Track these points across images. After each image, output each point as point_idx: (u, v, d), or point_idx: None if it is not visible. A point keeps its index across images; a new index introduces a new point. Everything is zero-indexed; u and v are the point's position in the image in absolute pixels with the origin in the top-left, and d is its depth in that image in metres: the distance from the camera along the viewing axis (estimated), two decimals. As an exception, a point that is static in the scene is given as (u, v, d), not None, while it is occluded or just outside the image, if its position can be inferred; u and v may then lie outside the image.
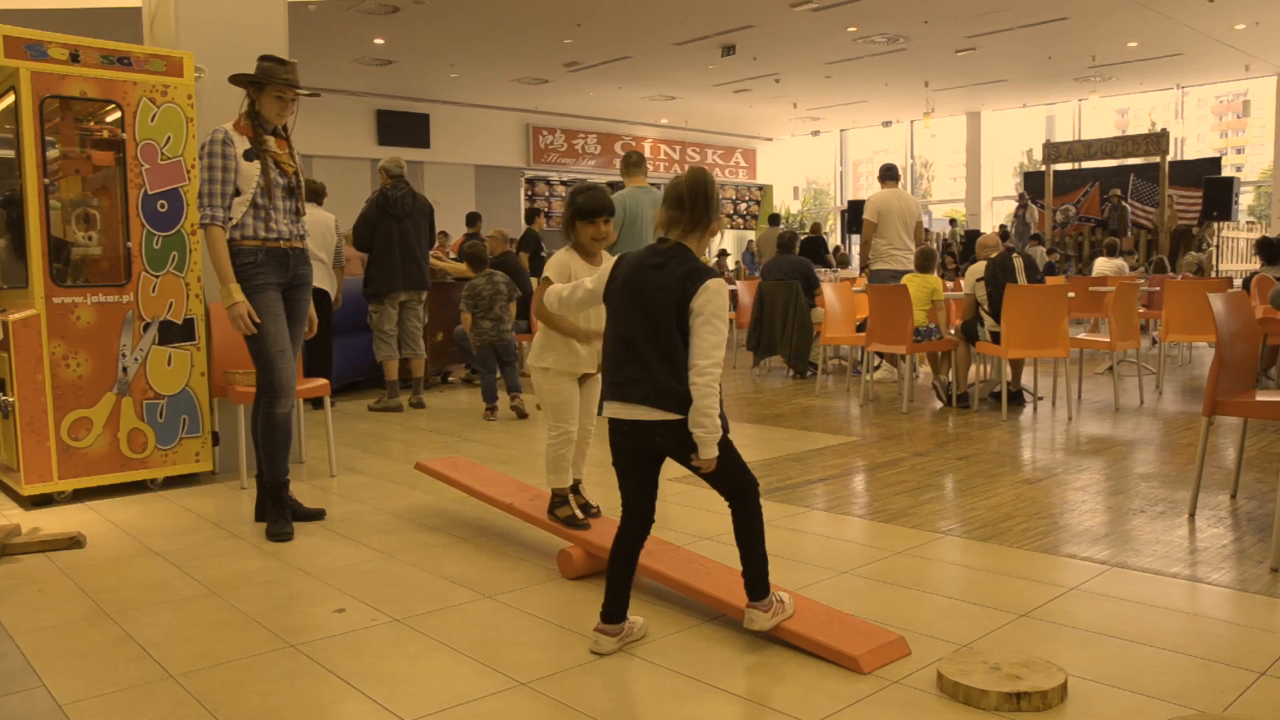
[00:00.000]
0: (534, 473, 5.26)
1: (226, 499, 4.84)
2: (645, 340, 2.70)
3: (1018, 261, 6.89)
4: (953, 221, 21.57)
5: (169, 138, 4.92)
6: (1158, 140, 17.57)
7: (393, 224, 7.53)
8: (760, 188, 24.42)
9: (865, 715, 2.44)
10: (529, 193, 20.74)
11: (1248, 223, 19.09)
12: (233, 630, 3.07)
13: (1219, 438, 5.95)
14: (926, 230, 17.63)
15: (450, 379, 9.32)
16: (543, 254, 11.53)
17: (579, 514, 3.64)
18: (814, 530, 4.12)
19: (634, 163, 7.18)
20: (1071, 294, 7.02)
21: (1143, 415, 6.94)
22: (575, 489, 3.75)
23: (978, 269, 7.05)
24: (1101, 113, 22.97)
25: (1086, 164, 18.87)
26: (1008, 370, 7.05)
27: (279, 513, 4.21)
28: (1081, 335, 8.18)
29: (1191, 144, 23.08)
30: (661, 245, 2.78)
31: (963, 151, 22.77)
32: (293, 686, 2.65)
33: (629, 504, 2.88)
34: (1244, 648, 2.83)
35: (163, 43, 5.18)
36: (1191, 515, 4.23)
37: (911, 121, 22.86)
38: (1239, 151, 32.07)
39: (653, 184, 7.25)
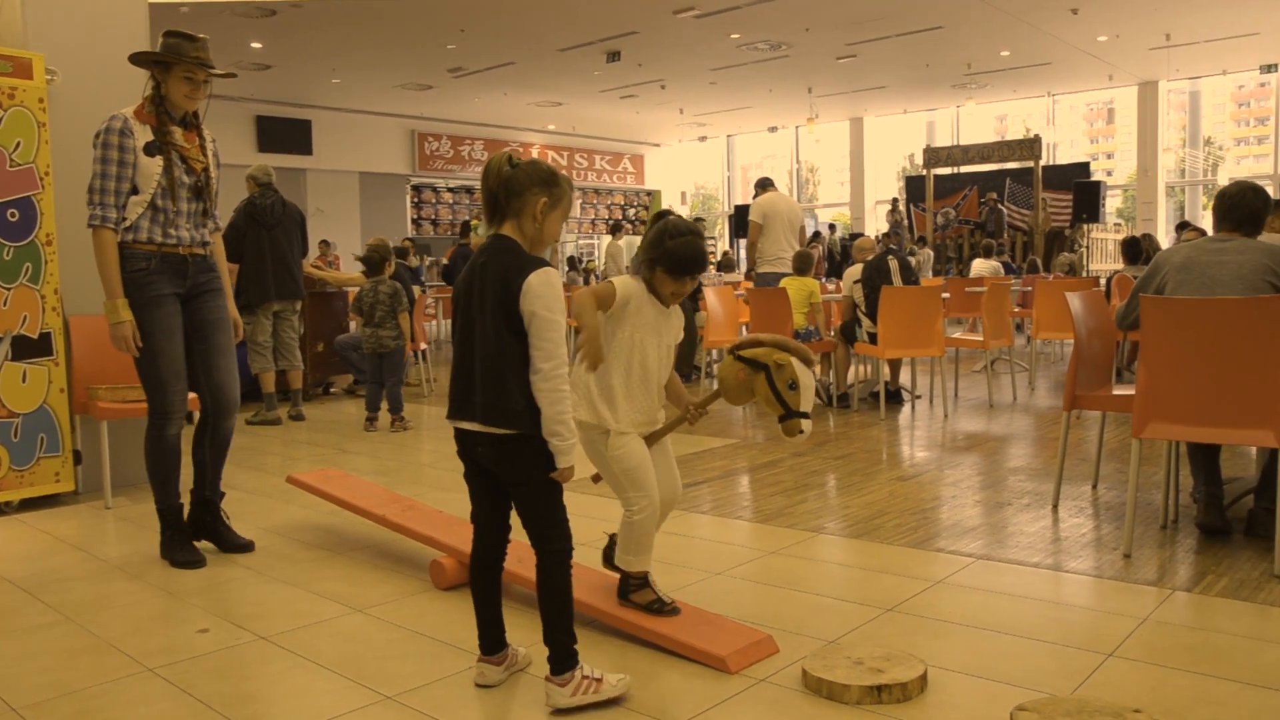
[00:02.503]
0: (415, 484, 5.19)
1: (88, 520, 4.65)
2: (473, 348, 2.46)
3: (893, 263, 7.05)
4: (831, 226, 21.99)
5: (19, 143, 4.71)
6: (1031, 145, 18.20)
7: (262, 233, 7.33)
8: (649, 193, 24.56)
9: (732, 714, 2.45)
10: (415, 200, 20.49)
11: (1115, 224, 19.91)
12: (86, 657, 2.95)
13: (1085, 430, 6.17)
14: (817, 234, 18.02)
15: (332, 390, 9.14)
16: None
17: (666, 597, 2.97)
18: (692, 533, 4.14)
19: (514, 168, 7.13)
20: (946, 294, 7.21)
21: (1015, 411, 7.16)
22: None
23: (855, 271, 7.19)
24: (981, 119, 23.71)
25: (965, 168, 19.44)
26: (886, 370, 7.21)
27: (179, 540, 3.91)
28: (957, 335, 8.41)
29: (1065, 149, 23.95)
30: (488, 241, 2.55)
31: (847, 156, 23.25)
32: (148, 713, 2.55)
33: (473, 520, 2.66)
34: (1095, 631, 2.93)
35: (9, 43, 4.96)
36: (1055, 507, 4.37)
37: (796, 127, 23.25)
38: (1109, 156, 33.34)
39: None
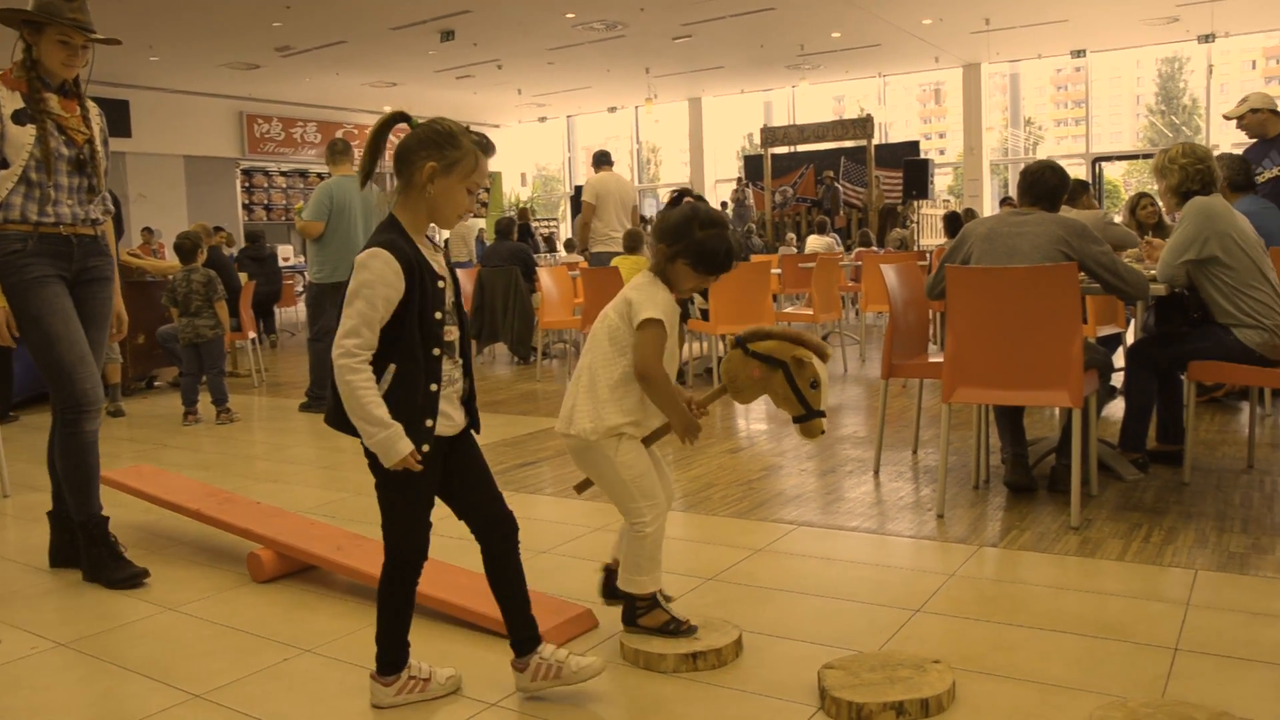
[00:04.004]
0: (240, 477, 5.01)
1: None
2: None
3: (724, 240, 7.14)
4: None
5: None
6: (864, 125, 18.79)
7: (74, 220, 6.94)
8: (490, 177, 24.30)
9: (551, 690, 2.45)
10: (246, 184, 19.74)
11: (945, 200, 20.73)
12: None
13: (910, 399, 6.40)
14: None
15: (156, 383, 8.74)
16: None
17: (680, 615, 2.66)
18: (527, 514, 4.08)
19: (340, 150, 6.96)
20: (777, 270, 7.37)
21: (846, 382, 7.38)
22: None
23: (686, 248, 7.26)
24: (820, 99, 24.23)
25: (802, 147, 19.90)
26: (720, 346, 7.32)
27: (111, 557, 3.43)
28: (789, 309, 8.61)
29: (899, 128, 24.74)
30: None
31: (687, 136, 23.48)
32: (-74, 730, 2.40)
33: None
34: (905, 589, 3.05)
35: None
36: (876, 472, 4.52)
37: (636, 107, 23.34)
38: (941, 136, 34.62)
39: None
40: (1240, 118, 6.19)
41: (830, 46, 17.90)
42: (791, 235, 16.89)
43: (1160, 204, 4.42)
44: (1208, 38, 17.28)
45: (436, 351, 2.26)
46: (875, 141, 19.15)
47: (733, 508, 4.02)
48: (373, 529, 3.82)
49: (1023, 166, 4.22)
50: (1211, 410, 5.77)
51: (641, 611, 2.65)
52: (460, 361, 2.37)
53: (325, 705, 2.45)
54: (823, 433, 2.57)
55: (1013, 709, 2.26)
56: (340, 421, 2.26)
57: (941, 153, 28.33)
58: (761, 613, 2.89)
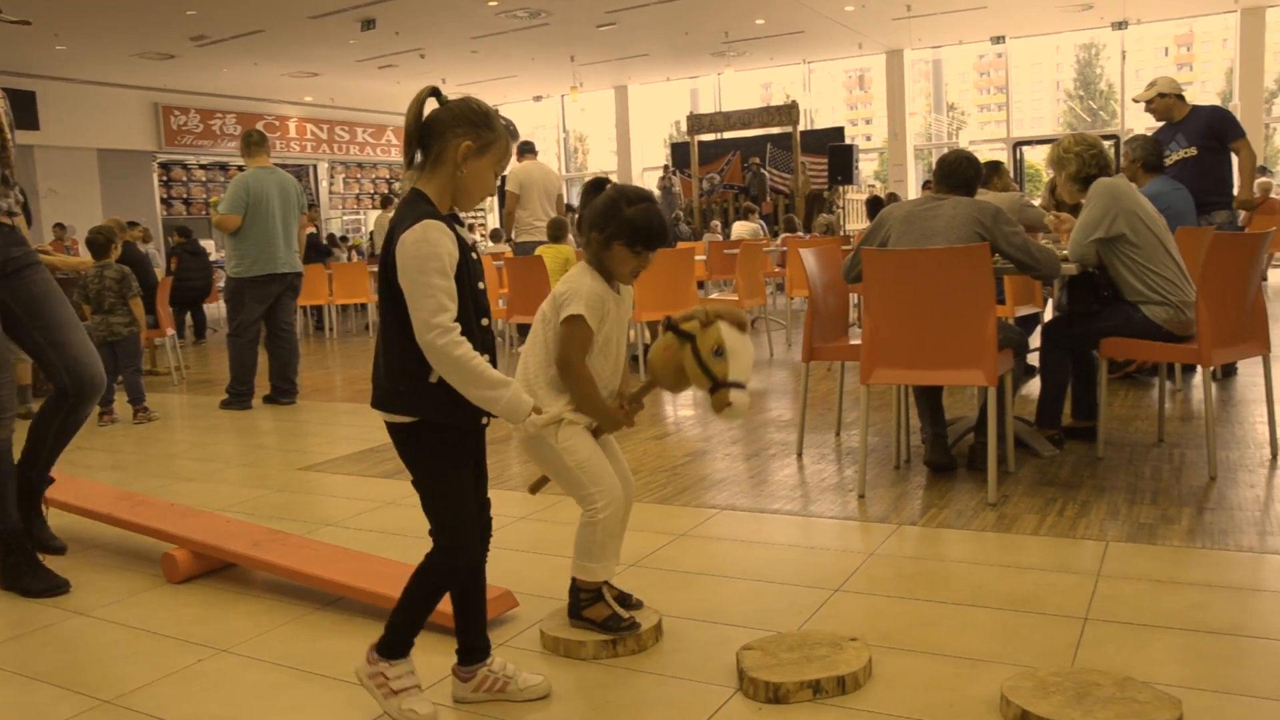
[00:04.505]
0: (158, 477, 4.90)
1: None
2: (382, 326, 2.17)
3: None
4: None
5: None
6: (789, 111, 18.88)
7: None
8: (417, 166, 24.00)
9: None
10: (164, 178, 19.27)
11: (870, 185, 20.96)
12: None
13: (834, 382, 6.46)
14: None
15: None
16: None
17: (622, 612, 2.60)
18: (445, 505, 4.08)
19: (255, 141, 6.82)
20: (701, 256, 7.38)
21: (773, 366, 7.43)
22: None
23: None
24: (747, 86, 24.32)
25: (728, 134, 19.96)
26: (646, 334, 7.33)
27: (29, 565, 3.30)
28: (714, 295, 8.64)
29: (826, 114, 24.94)
30: (404, 197, 2.20)
31: (614, 124, 23.43)
32: None
33: None
34: (825, 570, 3.07)
35: None
36: (799, 455, 4.56)
37: (562, 96, 23.23)
38: (868, 122, 34.99)
39: (277, 165, 6.93)
40: (1149, 101, 6.36)
41: (755, 34, 17.95)
42: (717, 222, 16.95)
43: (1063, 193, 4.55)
44: (1121, 25, 17.68)
45: (485, 322, 2.19)
46: (801, 128, 19.26)
47: (657, 493, 4.03)
48: (292, 524, 3.79)
49: (940, 155, 4.29)
50: (1125, 386, 5.91)
51: (585, 603, 2.59)
52: None
53: (240, 706, 2.40)
54: (730, 406, 2.35)
55: (927, 683, 2.29)
56: (395, 403, 2.14)
57: (868, 138, 28.65)
58: (683, 597, 2.90)
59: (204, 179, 19.94)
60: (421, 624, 2.23)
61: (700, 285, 11.22)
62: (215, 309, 15.03)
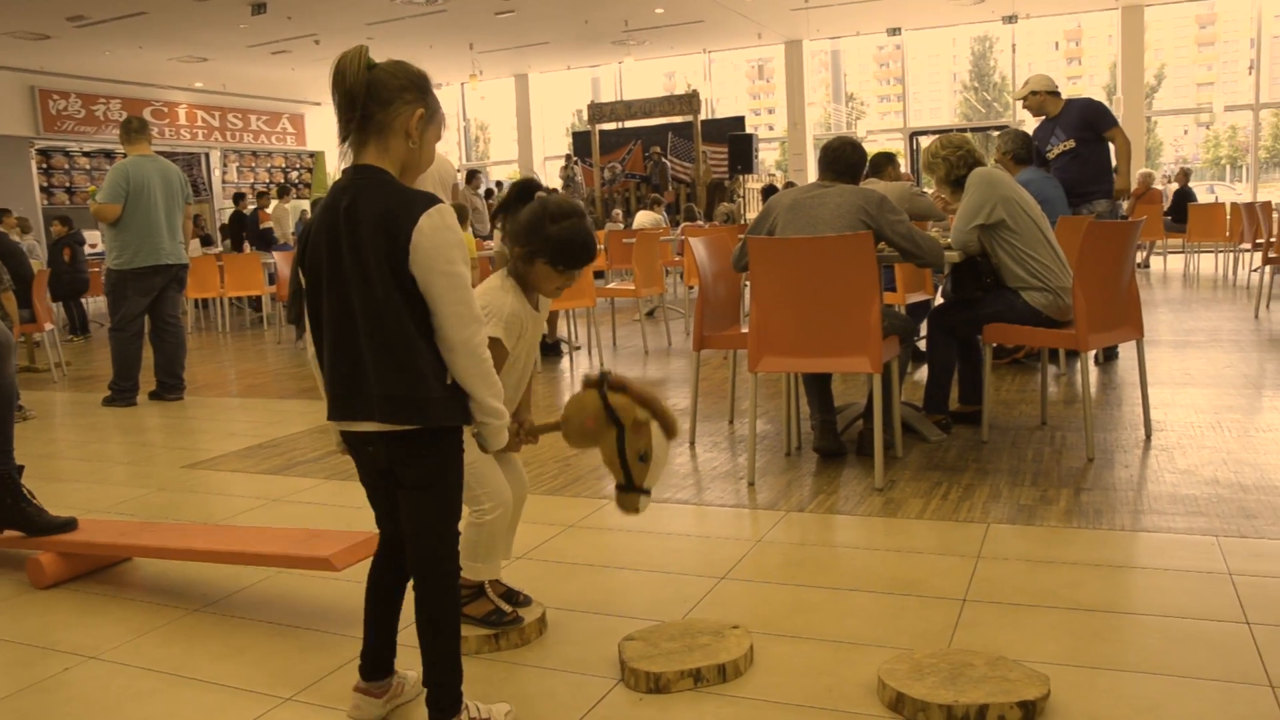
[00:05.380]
0: (28, 479, 4.68)
1: None
2: (352, 324, 1.88)
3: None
4: (499, 183, 21.99)
5: None
6: (690, 101, 18.98)
7: None
8: (312, 154, 23.46)
9: (347, 680, 2.37)
10: (43, 166, 18.49)
11: (770, 175, 21.18)
12: None
13: (729, 370, 6.50)
14: (490, 191, 17.92)
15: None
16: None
17: (505, 606, 2.54)
18: (324, 501, 4.00)
19: (135, 129, 6.58)
20: (601, 247, 7.35)
21: (671, 355, 7.45)
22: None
23: (506, 226, 7.18)
24: (651, 75, 24.35)
25: (630, 123, 19.98)
26: (544, 326, 7.27)
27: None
28: (613, 285, 8.63)
29: (729, 104, 25.12)
30: (346, 178, 1.93)
31: (515, 113, 23.25)
32: None
33: (378, 524, 2.15)
34: (712, 558, 3.08)
35: None
36: (691, 444, 4.57)
37: (462, 84, 22.96)
38: (770, 112, 35.37)
39: (167, 153, 6.70)
40: (1024, 99, 6.55)
41: (654, 22, 17.95)
42: (618, 211, 16.94)
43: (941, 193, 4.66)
44: (1011, 19, 18.13)
45: None
46: (703, 117, 19.38)
47: (548, 485, 4.00)
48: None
49: (824, 142, 4.33)
50: (1013, 371, 6.06)
51: (467, 599, 2.46)
52: None
53: (105, 715, 2.31)
54: (637, 511, 2.31)
55: (807, 669, 2.31)
56: (426, 412, 1.90)
57: (770, 128, 28.97)
58: (569, 588, 2.88)
59: (87, 167, 19.19)
60: (460, 662, 2.03)
61: (599, 275, 11.22)
62: (97, 303, 14.58)
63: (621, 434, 2.25)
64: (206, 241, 13.81)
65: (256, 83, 20.68)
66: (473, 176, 15.99)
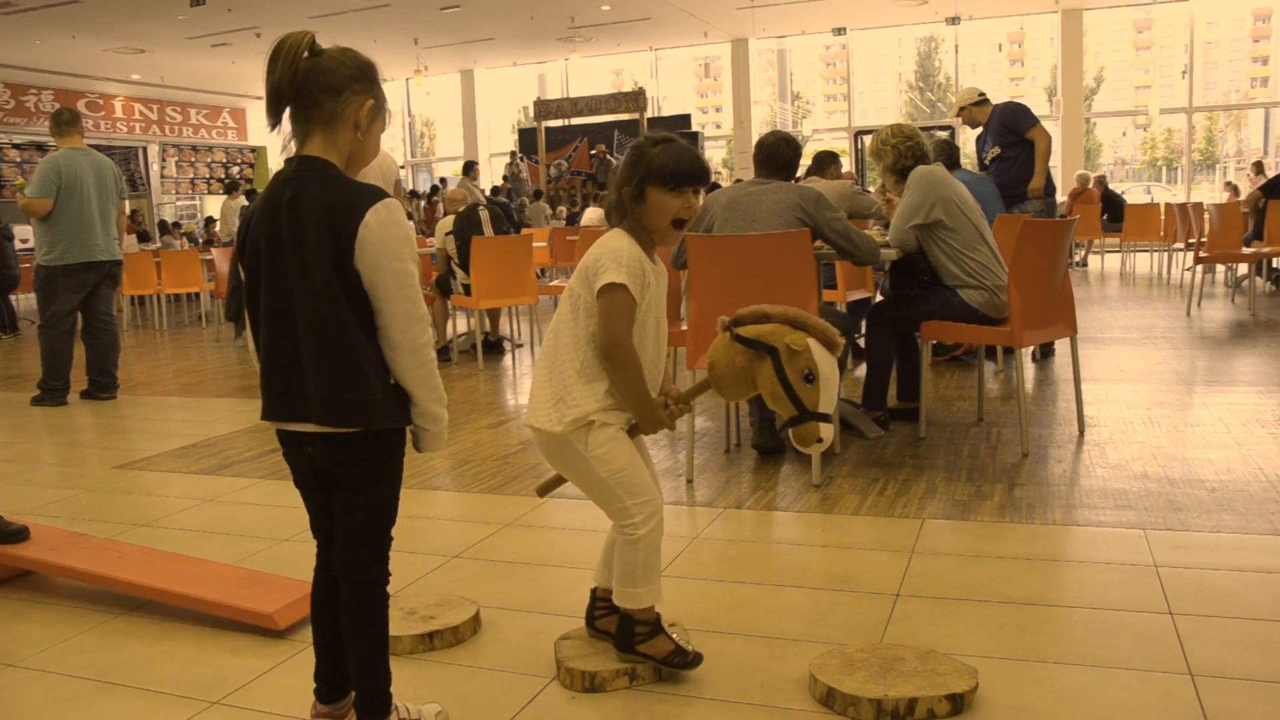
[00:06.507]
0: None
1: None
2: (290, 322, 1.79)
3: (484, 214, 7.07)
4: (443, 180, 21.84)
5: None
6: (636, 98, 18.98)
7: None
8: (254, 149, 23.14)
9: (276, 682, 2.34)
10: (-28, 158, 18.08)
11: (716, 173, 21.25)
12: None
13: (670, 368, 6.50)
14: (435, 188, 17.80)
15: None
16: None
17: (688, 647, 2.27)
18: (259, 501, 3.94)
19: (66, 120, 6.43)
20: (541, 244, 7.33)
21: (614, 353, 7.42)
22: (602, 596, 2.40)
23: (446, 223, 7.15)
24: (598, 72, 24.28)
25: (576, 120, 19.93)
26: (486, 321, 7.24)
27: None
28: (555, 282, 8.61)
29: (676, 102, 25.12)
30: (289, 169, 1.84)
31: (460, 109, 23.11)
32: None
33: (315, 534, 2.03)
34: (649, 556, 3.07)
35: None
36: (633, 440, 4.56)
37: (407, 79, 22.76)
38: (718, 110, 35.44)
39: (103, 146, 6.56)
40: (959, 115, 6.72)
41: (601, 19, 17.93)
42: (563, 209, 16.90)
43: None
44: (954, 20, 18.35)
45: None
46: (650, 115, 19.39)
47: (486, 483, 3.97)
48: (103, 525, 3.59)
49: (759, 138, 4.34)
50: (952, 368, 6.13)
51: (642, 637, 2.22)
52: None
53: (23, 721, 2.26)
54: (820, 442, 2.11)
55: (741, 665, 2.31)
56: (371, 414, 1.82)
57: (718, 126, 29.05)
58: (505, 587, 2.86)
59: (17, 159, 18.74)
60: (388, 665, 1.96)
61: (543, 272, 11.19)
62: (27, 299, 14.24)
63: (777, 360, 2.09)
64: (144, 237, 13.53)
65: (196, 76, 20.35)
66: (470, 168, 15.84)
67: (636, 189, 2.15)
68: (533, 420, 2.19)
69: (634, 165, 2.17)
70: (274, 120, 1.83)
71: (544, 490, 2.42)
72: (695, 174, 2.17)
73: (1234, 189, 15.56)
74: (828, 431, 2.10)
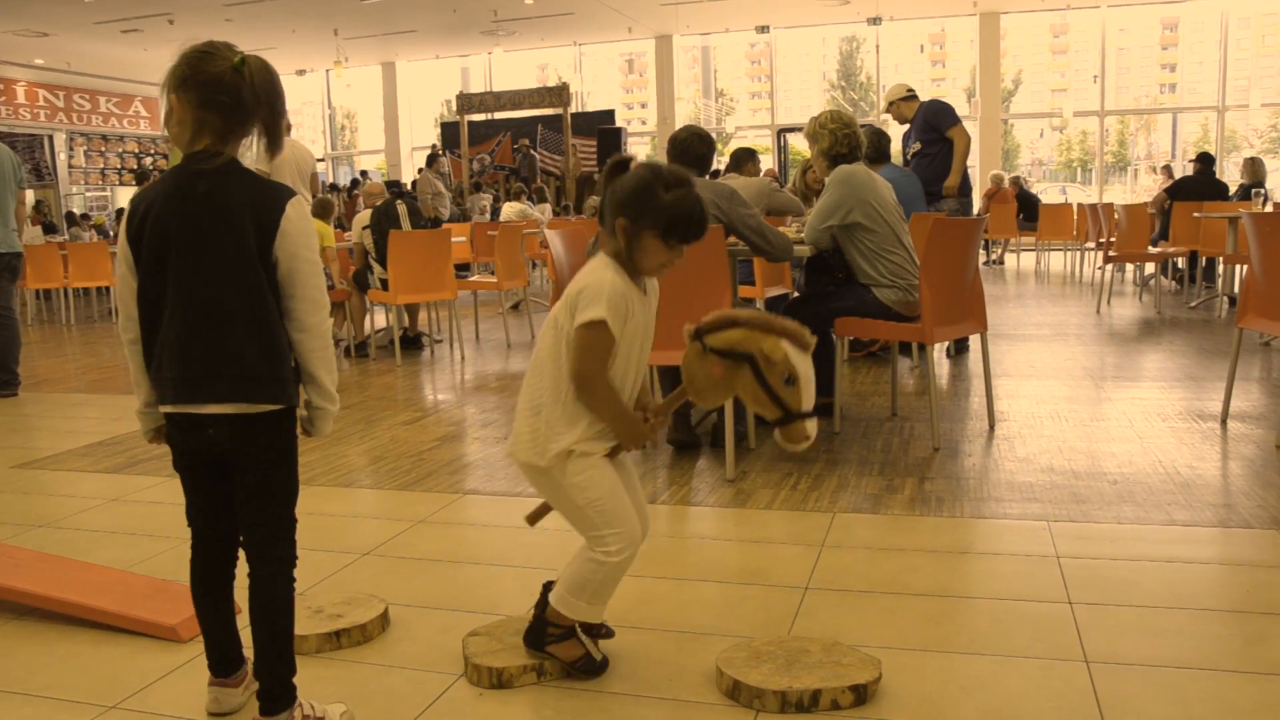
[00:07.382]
0: None
1: None
2: (198, 306, 1.87)
3: (402, 208, 6.98)
4: (364, 173, 21.55)
5: None
6: (559, 93, 18.91)
7: None
8: (167, 139, 22.54)
9: (175, 685, 2.29)
10: None
11: (641, 169, 21.26)
12: None
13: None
14: (356, 182, 17.56)
15: None
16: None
17: (597, 654, 2.28)
18: (166, 499, 3.84)
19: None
20: (460, 238, 7.27)
21: (531, 350, 7.39)
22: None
23: (364, 217, 7.05)
24: (523, 67, 24.14)
25: (500, 114, 19.80)
26: (405, 316, 7.16)
27: None
28: (475, 277, 8.55)
29: (601, 97, 25.08)
30: (200, 162, 1.88)
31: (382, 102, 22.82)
32: None
33: (193, 520, 2.13)
34: (558, 552, 3.02)
35: None
36: (550, 436, 4.54)
37: (327, 71, 22.42)
38: (643, 106, 35.43)
39: (3, 132, 6.33)
40: (889, 109, 6.82)
41: (524, 14, 17.84)
42: (485, 204, 16.77)
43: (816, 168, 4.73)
44: (875, 20, 18.60)
45: None
46: (574, 110, 19.34)
47: (399, 480, 3.92)
48: (33, 531, 3.46)
49: (722, 136, 4.35)
50: (868, 364, 6.21)
51: (554, 639, 2.24)
52: None
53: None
54: (808, 438, 2.12)
55: (648, 659, 2.31)
56: (279, 391, 1.92)
57: (644, 122, 29.03)
58: (415, 584, 2.83)
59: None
60: (293, 653, 1.99)
61: (465, 267, 11.09)
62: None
63: (755, 367, 2.09)
64: (50, 229, 13.12)
65: (105, 62, 19.76)
66: (433, 160, 15.59)
67: (635, 228, 2.12)
68: (516, 454, 2.19)
69: (640, 200, 2.12)
70: (242, 133, 1.94)
71: (533, 518, 2.40)
72: (695, 235, 2.16)
73: (1169, 171, 15.36)
74: (813, 427, 2.13)
